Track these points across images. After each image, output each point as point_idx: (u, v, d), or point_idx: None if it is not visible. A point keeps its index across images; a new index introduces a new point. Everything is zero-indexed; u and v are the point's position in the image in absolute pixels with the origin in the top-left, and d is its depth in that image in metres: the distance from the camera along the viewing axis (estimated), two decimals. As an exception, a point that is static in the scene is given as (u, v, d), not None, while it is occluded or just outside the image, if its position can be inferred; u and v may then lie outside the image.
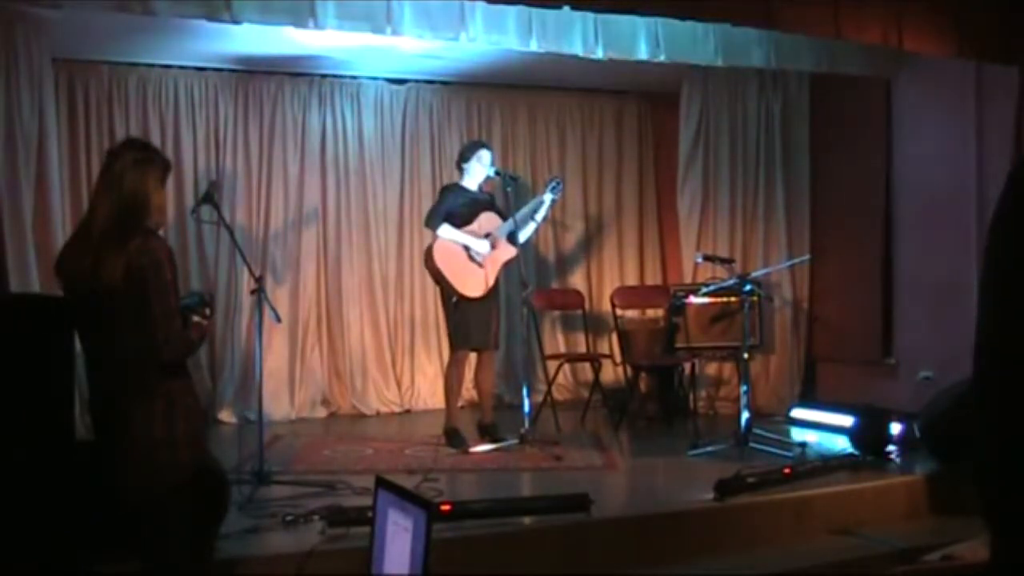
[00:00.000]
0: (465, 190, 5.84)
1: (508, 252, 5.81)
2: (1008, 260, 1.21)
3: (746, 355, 5.76)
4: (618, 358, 7.01)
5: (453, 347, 5.82)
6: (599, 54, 5.27)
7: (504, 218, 5.83)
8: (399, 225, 7.45)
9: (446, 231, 5.70)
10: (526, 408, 5.70)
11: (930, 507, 4.86)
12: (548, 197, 5.93)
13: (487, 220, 5.83)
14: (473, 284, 5.69)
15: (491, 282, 5.76)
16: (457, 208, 5.76)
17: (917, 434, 5.31)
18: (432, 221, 5.77)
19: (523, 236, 5.91)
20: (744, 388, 5.62)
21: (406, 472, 4.99)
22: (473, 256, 5.73)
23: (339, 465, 5.30)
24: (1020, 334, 1.18)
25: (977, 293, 1.24)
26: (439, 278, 5.72)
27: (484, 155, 5.82)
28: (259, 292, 4.96)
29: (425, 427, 6.46)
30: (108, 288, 2.76)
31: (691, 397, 6.72)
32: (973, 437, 1.23)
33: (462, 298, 5.66)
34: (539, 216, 5.96)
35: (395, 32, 4.84)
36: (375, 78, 7.34)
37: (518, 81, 7.48)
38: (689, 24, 5.21)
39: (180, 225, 6.70)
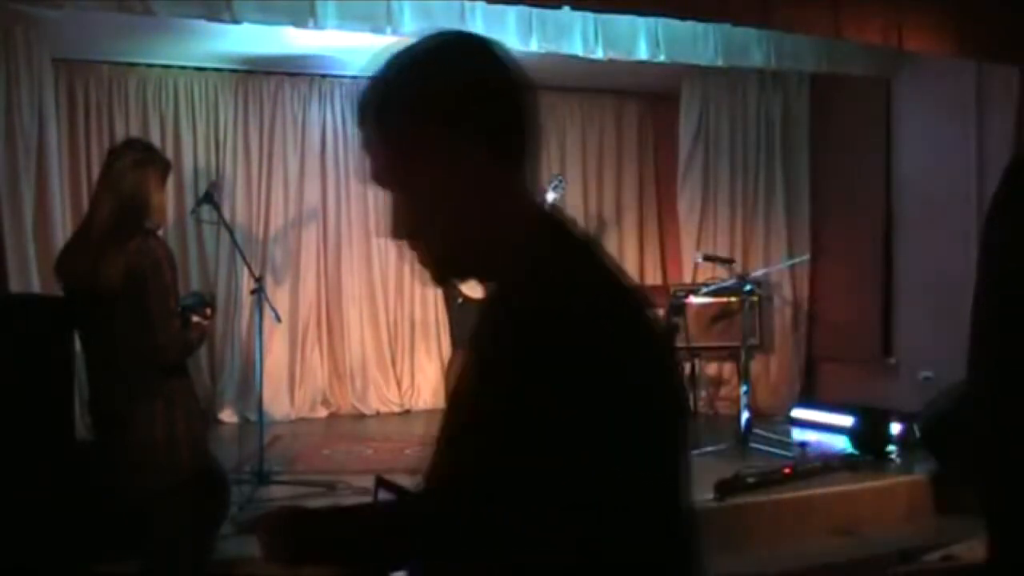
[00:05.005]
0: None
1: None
2: (1004, 251, 1.21)
3: (746, 355, 5.76)
4: (618, 358, 6.99)
5: (455, 347, 5.81)
6: (599, 54, 5.27)
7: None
8: (399, 225, 7.44)
9: None
10: (526, 408, 5.69)
11: (930, 507, 4.86)
12: (550, 195, 5.92)
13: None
14: (476, 284, 5.68)
15: (493, 283, 5.76)
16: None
17: (917, 434, 5.31)
18: None
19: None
20: (744, 388, 5.62)
21: (406, 472, 4.98)
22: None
23: (339, 465, 5.30)
24: (1015, 327, 1.17)
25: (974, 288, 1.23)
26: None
27: None
28: (259, 292, 4.96)
29: (425, 427, 6.45)
30: (107, 288, 2.76)
31: (691, 397, 6.72)
32: (972, 437, 1.22)
33: (466, 299, 5.66)
34: None
35: (395, 32, 4.83)
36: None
37: (518, 81, 7.46)
38: (689, 24, 5.22)
39: (180, 225, 6.70)
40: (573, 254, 1.17)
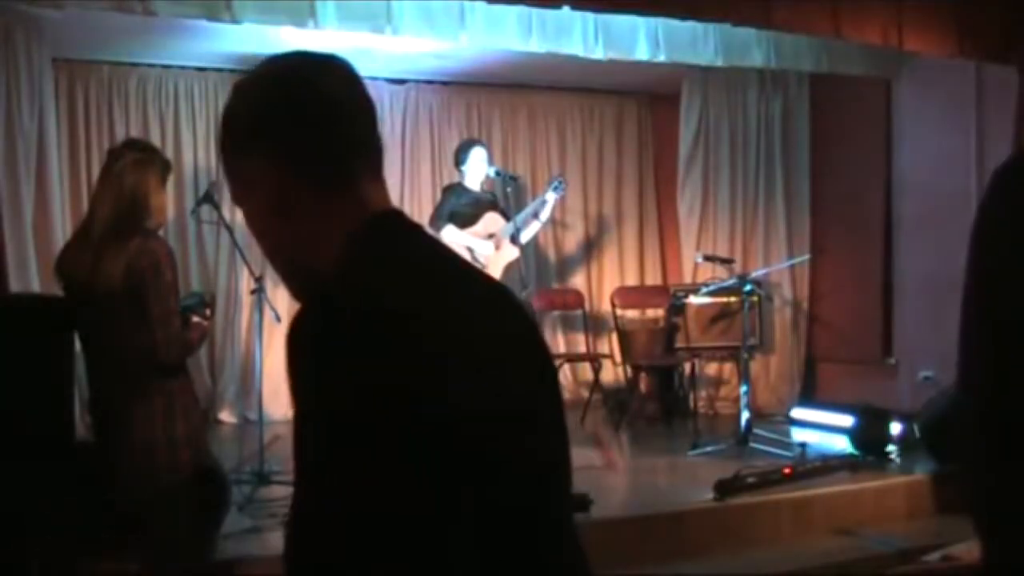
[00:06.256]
0: (467, 190, 5.84)
1: (511, 253, 5.80)
2: (992, 258, 1.21)
3: (746, 355, 5.76)
4: (618, 358, 7.00)
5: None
6: (599, 54, 5.27)
7: (507, 218, 5.82)
8: (399, 225, 7.44)
9: (450, 233, 5.69)
10: (526, 408, 5.68)
11: (930, 507, 4.86)
12: (551, 196, 5.93)
13: (491, 220, 5.82)
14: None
15: (492, 284, 5.76)
16: (460, 208, 5.76)
17: (917, 434, 5.31)
18: (435, 223, 5.77)
19: (526, 236, 5.90)
20: (744, 388, 5.62)
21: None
22: (476, 258, 5.73)
23: (339, 465, 5.29)
24: (1003, 334, 1.17)
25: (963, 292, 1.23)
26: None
27: (479, 152, 5.82)
28: (259, 292, 4.96)
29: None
30: (108, 288, 2.76)
31: (691, 397, 6.72)
32: (969, 439, 1.22)
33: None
34: (543, 215, 5.96)
35: (395, 32, 4.83)
36: (375, 78, 7.32)
37: (518, 81, 7.48)
38: (689, 24, 5.22)
39: (180, 225, 6.70)
40: (383, 269, 1.11)
